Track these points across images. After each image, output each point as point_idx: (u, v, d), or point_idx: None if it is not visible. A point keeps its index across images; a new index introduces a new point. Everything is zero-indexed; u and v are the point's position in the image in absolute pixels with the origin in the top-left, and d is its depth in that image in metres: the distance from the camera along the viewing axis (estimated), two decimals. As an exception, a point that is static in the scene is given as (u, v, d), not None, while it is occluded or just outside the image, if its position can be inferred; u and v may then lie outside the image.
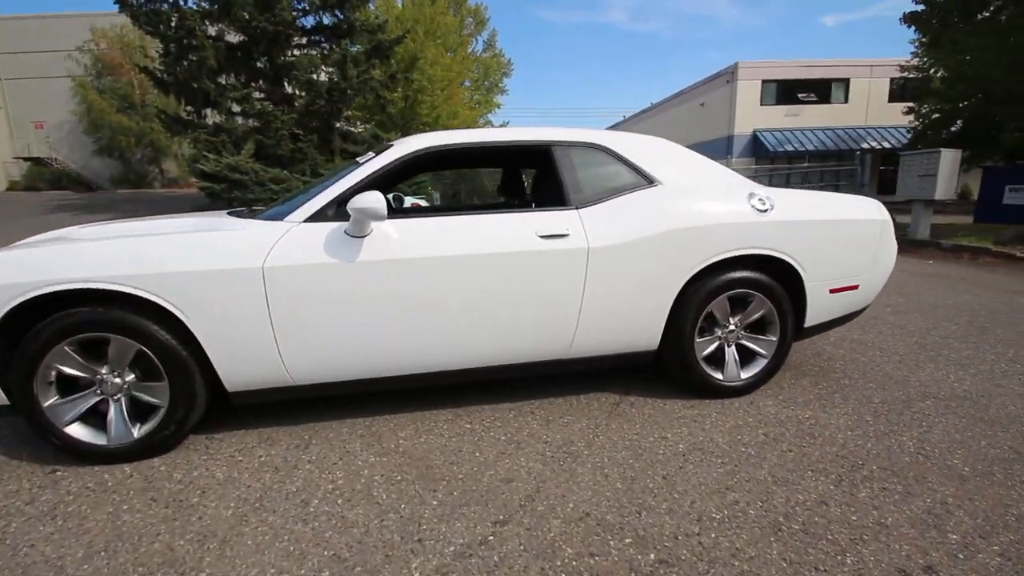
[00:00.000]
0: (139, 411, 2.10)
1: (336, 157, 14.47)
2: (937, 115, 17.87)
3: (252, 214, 2.47)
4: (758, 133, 24.73)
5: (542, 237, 2.25)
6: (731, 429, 2.33)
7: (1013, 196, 11.34)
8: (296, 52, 15.22)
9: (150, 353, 1.98)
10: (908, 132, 20.06)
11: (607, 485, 1.91)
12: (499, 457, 2.10)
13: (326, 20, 15.40)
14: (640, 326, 2.45)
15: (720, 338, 2.62)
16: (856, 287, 2.75)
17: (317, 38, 15.68)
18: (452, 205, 4.61)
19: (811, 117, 25.46)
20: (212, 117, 15.79)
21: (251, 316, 2.01)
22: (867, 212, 2.73)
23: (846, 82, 25.71)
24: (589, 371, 2.72)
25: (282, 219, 2.13)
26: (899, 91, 24.21)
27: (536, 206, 2.64)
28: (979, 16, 9.99)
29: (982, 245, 8.30)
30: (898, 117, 21.92)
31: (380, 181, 2.26)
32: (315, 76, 15.23)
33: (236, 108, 15.18)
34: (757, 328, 2.67)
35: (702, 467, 2.03)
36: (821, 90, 25.73)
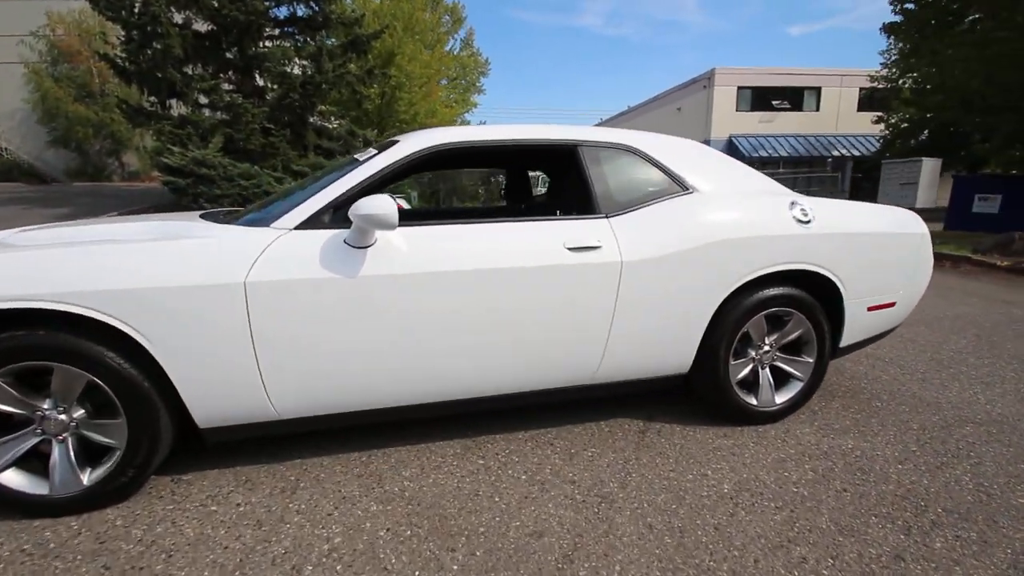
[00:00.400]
0: (90, 453, 1.74)
1: (310, 153, 13.93)
2: (906, 124, 18.43)
3: (230, 217, 2.11)
4: (734, 139, 25.04)
5: (571, 249, 1.98)
6: (775, 464, 2.10)
7: (982, 205, 11.66)
8: (268, 43, 14.60)
9: (103, 385, 1.63)
10: (877, 140, 20.63)
11: (654, 540, 1.64)
12: (523, 503, 1.82)
13: (300, 12, 14.83)
14: (672, 348, 2.20)
15: (754, 360, 2.39)
16: (893, 304, 2.57)
17: (290, 30, 15.08)
18: (461, 210, 4.30)
19: (784, 124, 25.95)
20: (177, 108, 15.02)
21: (229, 341, 1.67)
22: (908, 224, 2.54)
23: (818, 91, 26.30)
24: (611, 397, 2.46)
25: (268, 225, 1.80)
26: (867, 101, 24.89)
27: (559, 213, 2.37)
28: (956, 27, 10.18)
29: (962, 254, 8.40)
30: (866, 126, 22.52)
31: (383, 182, 1.95)
32: (288, 68, 14.64)
33: (203, 100, 14.45)
34: (792, 349, 2.45)
35: (755, 513, 1.78)
36: (794, 98, 26.26)
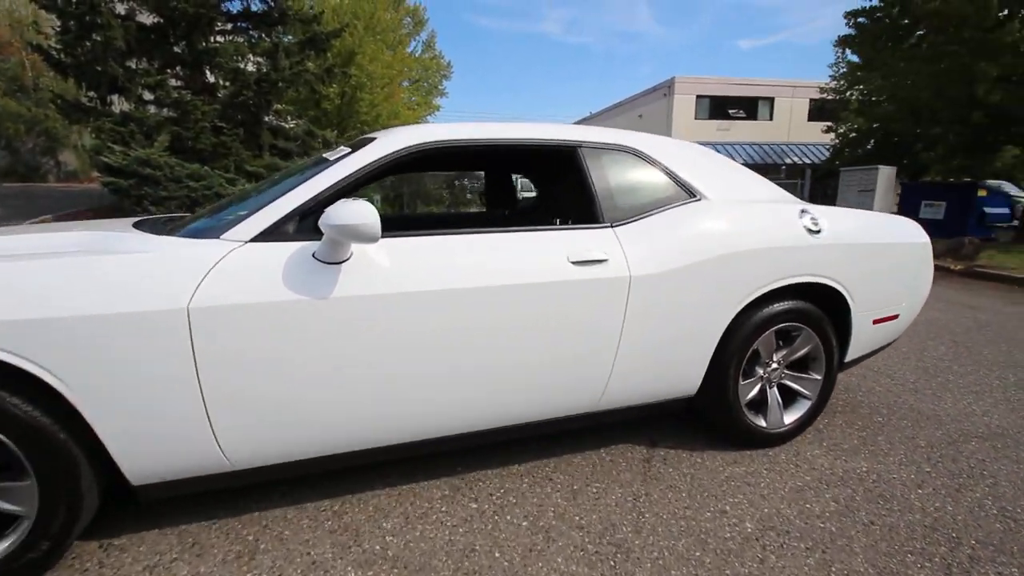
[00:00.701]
0: (-10, 522, 1.39)
1: (265, 153, 13.28)
2: (854, 134, 19.28)
3: (171, 227, 1.78)
4: (693, 145, 25.54)
5: (576, 264, 1.75)
6: (794, 494, 1.93)
7: (928, 211, 12.18)
8: (220, 39, 13.87)
9: (4, 439, 1.29)
10: (827, 149, 21.48)
11: (683, 599, 1.43)
12: (527, 558, 1.57)
13: (254, 6, 14.17)
14: (681, 369, 2.01)
15: (762, 379, 2.23)
16: (896, 316, 2.46)
17: (244, 25, 14.39)
18: (444, 216, 3.89)
19: (740, 132, 26.74)
20: (119, 105, 14.08)
21: (168, 380, 1.36)
22: (912, 234, 2.44)
23: (771, 101, 27.26)
24: (612, 424, 2.24)
25: (217, 236, 1.49)
26: (817, 111, 25.96)
27: (558, 222, 2.14)
28: (906, 42, 10.59)
29: (918, 259, 8.67)
30: (816, 135, 23.46)
31: (357, 186, 1.67)
32: (242, 65, 13.95)
33: (148, 95, 13.60)
34: (799, 366, 2.31)
35: (787, 558, 1.59)
36: (749, 107, 27.12)
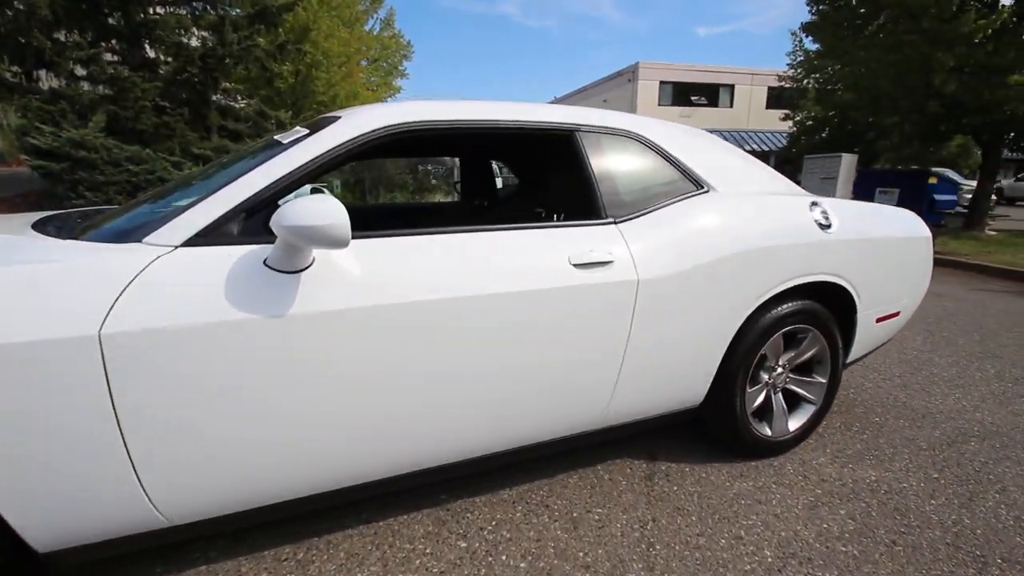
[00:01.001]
0: None
1: (213, 135, 12.46)
2: (811, 122, 19.77)
3: (81, 227, 1.44)
4: (657, 131, 25.68)
5: (577, 266, 1.52)
6: (808, 512, 1.78)
7: (882, 197, 12.56)
8: (160, 10, 12.85)
9: None
10: (785, 137, 21.97)
11: (712, 655, 1.24)
12: (529, 609, 1.35)
13: (198, -25, 13.17)
14: (689, 378, 1.82)
15: (767, 385, 2.08)
16: (898, 314, 2.35)
17: (187, -5, 13.37)
18: (419, 208, 3.34)
19: (702, 119, 26.99)
20: (48, 81, 12.92)
21: (78, 423, 1.06)
22: (916, 227, 2.33)
23: (731, 88, 27.61)
24: (611, 441, 2.04)
25: (139, 239, 1.19)
26: (775, 99, 26.49)
27: (555, 218, 1.91)
28: (866, 30, 10.74)
29: (877, 245, 8.88)
30: (774, 122, 23.96)
31: (317, 175, 1.38)
32: (185, 39, 13.00)
33: (81, 71, 12.54)
34: (803, 369, 2.17)
35: (815, 593, 1.44)
36: (710, 94, 27.41)
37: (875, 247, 2.13)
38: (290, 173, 1.29)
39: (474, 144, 2.58)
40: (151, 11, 13.16)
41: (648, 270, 1.61)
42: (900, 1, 9.03)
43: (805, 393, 2.17)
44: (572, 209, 1.82)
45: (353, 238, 1.30)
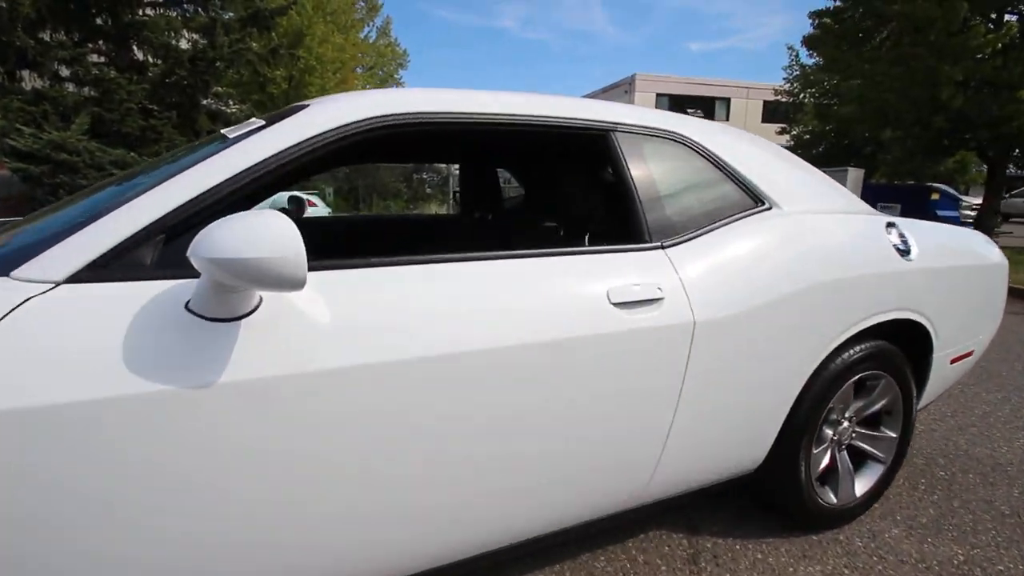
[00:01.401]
0: None
1: (202, 139, 12.10)
2: (808, 136, 19.71)
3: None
4: (654, 143, 25.64)
5: (619, 305, 1.16)
6: (896, 611, 1.43)
7: (882, 211, 12.40)
8: (150, 11, 12.53)
9: None
10: (783, 150, 21.91)
11: None
12: None
13: (189, -24, 12.88)
14: (749, 442, 1.48)
15: (832, 442, 1.73)
16: (971, 353, 2.02)
17: (177, -3, 13.06)
18: (397, 220, 2.77)
19: (699, 131, 26.98)
20: (31, 81, 12.54)
21: None
22: (990, 253, 2.01)
23: (727, 101, 27.64)
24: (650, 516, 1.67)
25: (5, 272, 0.83)
26: (771, 113, 26.52)
27: (571, 236, 1.56)
28: (869, 44, 10.59)
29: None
30: (770, 136, 23.94)
31: (273, 180, 1.02)
32: (174, 41, 12.67)
33: (65, 72, 12.17)
34: (871, 422, 1.82)
35: None
36: (706, 107, 27.37)
37: (954, 276, 1.81)
38: (232, 179, 0.92)
39: (480, 145, 2.17)
40: (140, 12, 12.83)
41: (706, 308, 1.26)
42: (906, 13, 8.85)
43: (873, 450, 1.82)
44: (603, 228, 1.49)
45: (321, 269, 0.94)
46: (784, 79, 20.92)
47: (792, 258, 1.40)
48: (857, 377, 1.64)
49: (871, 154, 15.60)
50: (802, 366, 1.45)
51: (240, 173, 0.93)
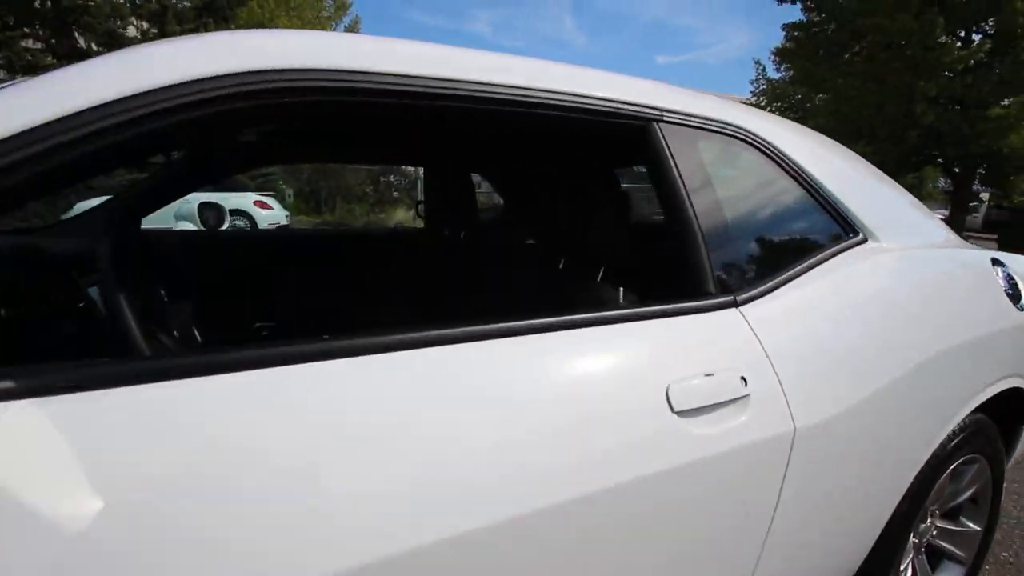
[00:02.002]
0: None
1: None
2: (778, 148, 19.99)
3: None
4: (626, 152, 25.66)
5: (683, 415, 0.70)
6: None
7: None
8: (94, -4, 11.61)
9: None
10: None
11: None
12: None
13: (137, -41, 12.05)
14: (848, 547, 1.05)
15: (913, 545, 1.32)
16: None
17: (125, -19, 12.20)
18: (368, 233, 2.06)
19: (669, 141, 27.17)
20: (-44, 67, 11.46)
21: None
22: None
23: (697, 111, 27.94)
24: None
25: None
26: (739, 124, 26.95)
27: (576, 269, 1.09)
28: (842, 58, 10.59)
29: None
30: (740, 148, 24.22)
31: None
32: (120, 28, 11.79)
33: (-4, 58, 11.14)
34: (951, 515, 1.42)
35: None
36: (677, 116, 27.66)
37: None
38: None
39: (452, 137, 1.52)
40: (81, -5, 11.85)
41: (809, 406, 0.81)
42: (883, 27, 8.82)
43: (953, 548, 1.42)
44: (627, 262, 1.02)
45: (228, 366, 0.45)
46: (751, 92, 21.16)
47: (912, 316, 0.98)
48: (954, 465, 1.24)
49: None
50: (914, 454, 1.03)
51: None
